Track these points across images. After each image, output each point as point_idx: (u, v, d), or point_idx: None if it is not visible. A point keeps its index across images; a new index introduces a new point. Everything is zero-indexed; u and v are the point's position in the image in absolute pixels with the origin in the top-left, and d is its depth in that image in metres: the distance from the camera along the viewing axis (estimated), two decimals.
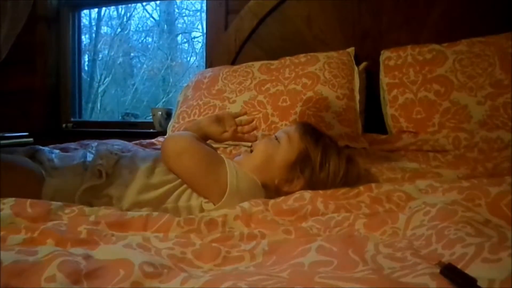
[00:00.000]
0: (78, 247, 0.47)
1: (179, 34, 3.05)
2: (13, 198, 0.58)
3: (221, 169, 0.75)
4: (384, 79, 1.41)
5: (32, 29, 2.25)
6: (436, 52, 1.34)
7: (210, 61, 1.90)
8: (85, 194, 0.70)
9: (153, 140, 1.43)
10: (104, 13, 3.00)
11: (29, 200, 0.58)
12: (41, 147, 0.84)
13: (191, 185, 0.75)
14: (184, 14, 3.06)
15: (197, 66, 2.81)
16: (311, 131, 0.84)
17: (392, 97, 1.35)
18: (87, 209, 0.61)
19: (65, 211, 0.59)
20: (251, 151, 0.86)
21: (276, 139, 0.85)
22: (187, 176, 0.75)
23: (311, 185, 0.76)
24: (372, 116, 1.44)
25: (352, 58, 1.50)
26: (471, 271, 0.36)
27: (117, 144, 1.24)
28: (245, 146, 1.26)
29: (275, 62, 1.54)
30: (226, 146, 1.33)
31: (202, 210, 0.73)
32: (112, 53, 3.00)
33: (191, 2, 2.90)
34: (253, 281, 0.35)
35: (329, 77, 1.39)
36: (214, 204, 0.72)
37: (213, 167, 0.76)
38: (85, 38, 2.85)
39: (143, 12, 3.05)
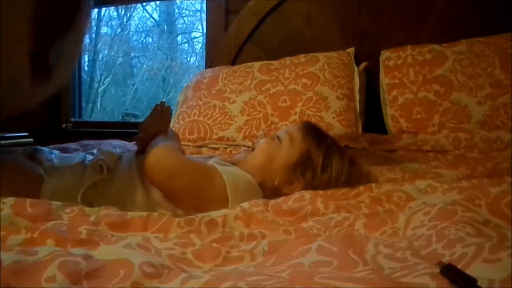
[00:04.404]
0: (78, 247, 0.47)
1: (179, 34, 3.05)
2: (13, 198, 0.58)
3: (215, 179, 0.71)
4: (384, 79, 1.40)
5: None
6: (436, 52, 1.34)
7: (210, 61, 1.90)
8: (86, 193, 0.70)
9: None
10: (104, 13, 3.00)
11: (29, 200, 0.58)
12: (40, 147, 0.84)
13: (189, 203, 0.71)
14: (184, 14, 3.06)
15: (197, 66, 2.81)
16: (314, 132, 0.83)
17: (392, 97, 1.35)
18: (87, 209, 0.61)
19: (65, 211, 0.59)
20: (252, 150, 0.86)
21: (278, 138, 0.83)
22: (182, 197, 0.71)
23: (312, 187, 0.74)
24: (372, 116, 1.44)
25: (352, 58, 1.50)
26: (471, 271, 0.36)
27: (117, 145, 1.25)
28: (245, 146, 1.26)
29: (275, 62, 1.54)
30: (226, 146, 1.33)
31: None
32: (112, 53, 3.00)
33: (191, 2, 2.90)
34: (253, 281, 0.35)
35: (329, 77, 1.39)
36: None
37: (208, 181, 0.71)
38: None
39: (143, 12, 3.06)
